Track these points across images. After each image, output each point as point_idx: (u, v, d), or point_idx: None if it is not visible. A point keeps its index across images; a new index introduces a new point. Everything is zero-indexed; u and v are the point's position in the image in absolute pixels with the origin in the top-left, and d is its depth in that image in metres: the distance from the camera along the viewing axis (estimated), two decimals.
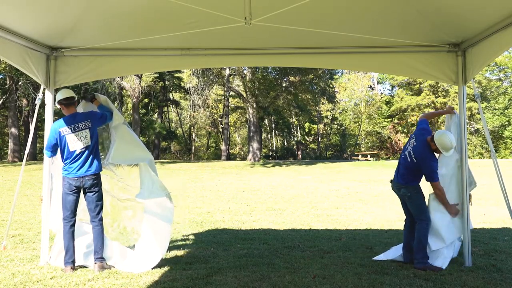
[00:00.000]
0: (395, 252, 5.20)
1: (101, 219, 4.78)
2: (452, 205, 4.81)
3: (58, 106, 4.88)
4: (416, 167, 4.81)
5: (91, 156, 4.74)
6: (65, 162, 4.71)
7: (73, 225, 4.69)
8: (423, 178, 4.87)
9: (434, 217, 4.81)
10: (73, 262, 4.61)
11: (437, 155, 4.93)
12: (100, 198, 4.79)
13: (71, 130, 4.67)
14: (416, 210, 4.90)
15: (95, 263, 4.64)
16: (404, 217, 5.16)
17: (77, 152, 4.67)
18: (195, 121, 40.12)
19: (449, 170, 4.91)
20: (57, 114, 5.28)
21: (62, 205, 4.70)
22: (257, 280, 4.29)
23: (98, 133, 4.90)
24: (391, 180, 5.14)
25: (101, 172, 4.87)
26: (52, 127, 4.78)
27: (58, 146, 4.73)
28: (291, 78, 29.85)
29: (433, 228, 4.79)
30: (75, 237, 4.74)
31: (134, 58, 5.36)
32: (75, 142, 4.66)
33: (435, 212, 4.82)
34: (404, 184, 4.91)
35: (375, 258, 5.20)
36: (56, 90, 5.25)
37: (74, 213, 4.71)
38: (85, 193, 4.75)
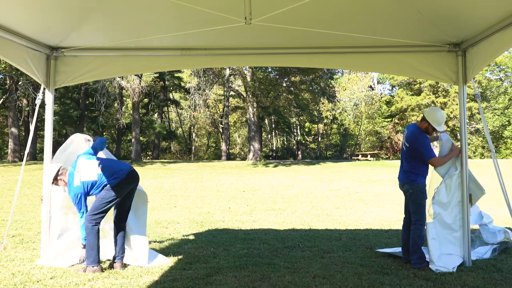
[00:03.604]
0: (397, 248, 5.29)
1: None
2: (450, 153, 4.83)
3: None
4: (412, 152, 4.81)
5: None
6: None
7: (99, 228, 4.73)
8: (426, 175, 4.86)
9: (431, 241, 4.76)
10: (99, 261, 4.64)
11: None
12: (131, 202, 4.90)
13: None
14: (414, 209, 4.90)
15: (117, 263, 4.71)
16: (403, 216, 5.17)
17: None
18: (195, 121, 40.14)
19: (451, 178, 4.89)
20: (57, 114, 5.29)
21: (99, 207, 4.60)
22: (257, 280, 4.29)
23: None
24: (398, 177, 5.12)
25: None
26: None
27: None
28: (292, 78, 29.86)
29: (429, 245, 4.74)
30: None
31: (134, 58, 5.36)
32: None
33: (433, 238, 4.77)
34: (408, 182, 4.88)
35: (378, 250, 5.42)
36: (56, 90, 5.24)
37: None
38: (125, 196, 4.77)
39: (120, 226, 4.84)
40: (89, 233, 4.53)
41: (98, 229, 4.60)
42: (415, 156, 4.80)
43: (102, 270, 4.54)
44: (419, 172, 4.82)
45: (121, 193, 4.64)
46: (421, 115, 5.20)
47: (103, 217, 4.62)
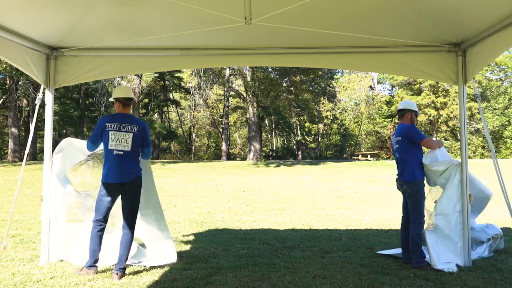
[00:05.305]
0: (397, 249, 5.30)
1: (132, 227, 4.55)
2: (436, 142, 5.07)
3: (112, 100, 4.70)
4: (404, 144, 4.92)
5: (129, 163, 4.49)
6: (105, 161, 4.52)
7: (103, 229, 4.51)
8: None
9: (430, 238, 4.84)
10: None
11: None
12: (136, 206, 4.60)
13: (115, 128, 4.49)
14: (412, 208, 4.93)
15: (117, 273, 4.37)
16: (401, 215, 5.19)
17: (114, 153, 4.45)
18: (195, 121, 40.14)
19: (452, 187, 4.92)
20: (57, 114, 5.29)
21: (95, 207, 4.53)
22: (257, 280, 4.29)
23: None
24: (396, 179, 5.14)
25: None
26: (100, 120, 4.61)
27: (101, 140, 4.57)
28: (292, 78, 29.86)
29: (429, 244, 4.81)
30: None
31: (134, 58, 5.36)
32: (115, 141, 4.46)
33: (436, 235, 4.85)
34: (406, 181, 4.93)
35: (379, 251, 5.45)
36: (56, 90, 5.24)
37: (106, 218, 4.52)
38: (122, 197, 4.56)
39: (123, 232, 4.54)
40: (90, 236, 4.51)
41: (98, 232, 4.46)
42: (408, 146, 4.91)
43: (96, 272, 4.47)
44: (415, 163, 4.89)
45: (109, 192, 4.47)
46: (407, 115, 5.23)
47: (100, 219, 4.47)
